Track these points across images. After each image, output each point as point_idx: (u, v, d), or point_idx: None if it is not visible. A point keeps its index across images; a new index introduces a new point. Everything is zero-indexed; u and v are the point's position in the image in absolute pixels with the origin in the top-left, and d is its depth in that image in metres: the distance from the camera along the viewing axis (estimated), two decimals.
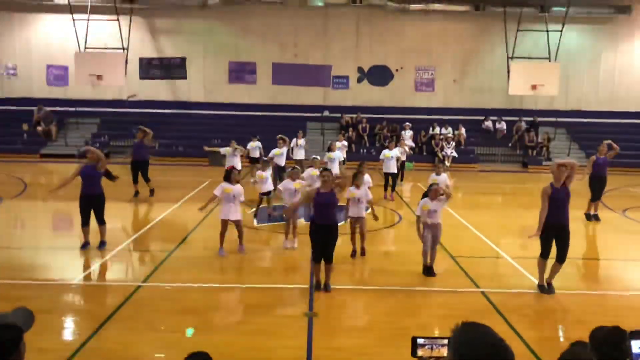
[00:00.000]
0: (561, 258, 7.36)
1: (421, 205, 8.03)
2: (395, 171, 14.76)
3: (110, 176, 9.57)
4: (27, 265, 8.51)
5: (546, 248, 7.43)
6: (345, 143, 17.29)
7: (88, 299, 7.26)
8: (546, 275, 7.55)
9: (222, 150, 14.91)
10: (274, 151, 14.71)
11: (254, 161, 16.02)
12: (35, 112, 23.77)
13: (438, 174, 11.59)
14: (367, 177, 10.83)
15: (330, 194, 7.26)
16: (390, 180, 14.58)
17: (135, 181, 14.04)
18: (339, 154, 15.06)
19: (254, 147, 16.46)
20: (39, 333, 5.67)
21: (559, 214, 7.27)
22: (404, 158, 16.07)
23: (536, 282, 7.71)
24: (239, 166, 13.99)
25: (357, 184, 8.94)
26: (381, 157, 14.70)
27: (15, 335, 2.20)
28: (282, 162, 14.71)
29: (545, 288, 7.47)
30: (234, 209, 8.96)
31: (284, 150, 14.86)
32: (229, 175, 9.08)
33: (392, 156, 14.51)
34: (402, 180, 16.78)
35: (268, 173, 11.62)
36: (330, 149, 14.94)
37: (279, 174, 14.24)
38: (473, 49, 25.43)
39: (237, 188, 9.00)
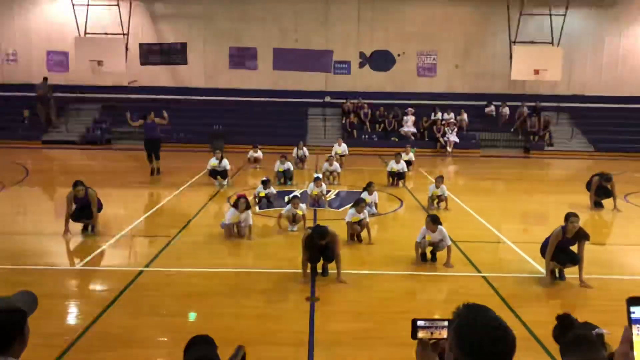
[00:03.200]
0: (574, 262, 7.29)
1: (423, 235, 7.89)
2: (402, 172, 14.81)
3: None
4: (30, 250, 8.54)
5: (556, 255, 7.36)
6: (345, 146, 17.40)
7: (91, 284, 7.30)
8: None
9: (209, 165, 14.15)
10: (278, 165, 14.51)
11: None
12: (39, 86, 23.30)
13: (437, 186, 11.70)
14: (375, 195, 11.03)
15: (325, 247, 7.18)
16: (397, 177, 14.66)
17: (150, 160, 15.04)
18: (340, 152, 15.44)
19: (253, 158, 16.85)
20: (43, 318, 5.70)
21: (557, 253, 7.22)
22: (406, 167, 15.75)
23: (537, 266, 7.74)
24: (228, 166, 14.01)
25: (358, 211, 8.95)
26: (388, 169, 14.73)
27: (19, 319, 2.20)
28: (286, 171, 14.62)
29: (557, 276, 7.45)
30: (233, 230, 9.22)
31: (288, 165, 14.54)
32: (236, 204, 9.18)
33: (398, 170, 14.56)
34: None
35: (269, 191, 11.73)
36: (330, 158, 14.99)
37: (284, 177, 14.33)
38: (475, 34, 25.23)
39: (244, 215, 9.12)
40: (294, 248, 8.84)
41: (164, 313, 6.14)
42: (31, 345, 2.28)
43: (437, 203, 11.79)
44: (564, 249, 7.25)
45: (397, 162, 14.63)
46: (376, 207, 11.28)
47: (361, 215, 8.96)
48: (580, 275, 7.19)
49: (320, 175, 12.87)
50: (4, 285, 6.72)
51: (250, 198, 10.95)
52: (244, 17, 24.90)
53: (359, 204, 9.06)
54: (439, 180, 11.84)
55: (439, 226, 7.84)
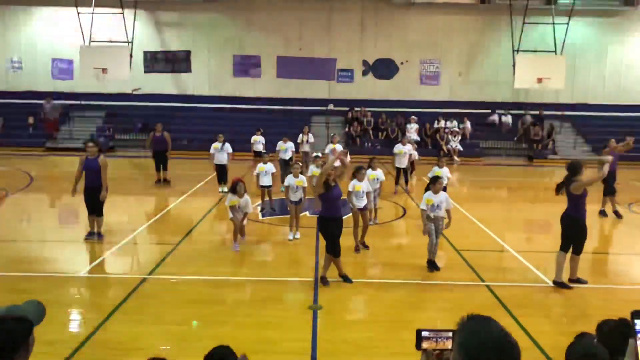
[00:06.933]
0: (578, 250, 7.37)
1: (425, 198, 8.02)
2: (405, 166, 14.83)
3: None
4: (34, 258, 8.56)
5: (566, 243, 7.41)
6: (340, 147, 17.31)
7: (94, 292, 7.30)
8: (568, 274, 7.58)
9: (212, 149, 14.39)
10: (280, 144, 14.79)
11: (257, 155, 16.27)
12: (44, 104, 23.56)
13: (440, 167, 11.66)
14: (379, 172, 10.91)
15: (337, 187, 7.44)
16: (402, 174, 14.80)
17: (158, 170, 15.13)
18: (340, 147, 15.18)
19: (257, 141, 16.98)
20: (46, 325, 5.67)
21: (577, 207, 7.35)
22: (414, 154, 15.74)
23: (541, 275, 7.71)
24: (225, 160, 14.26)
25: (359, 179, 8.94)
26: (395, 151, 14.78)
27: (24, 328, 2.19)
28: (287, 156, 14.74)
29: (566, 284, 7.43)
30: (239, 215, 9.11)
31: (289, 145, 14.79)
32: (235, 188, 9.11)
33: (405, 152, 14.61)
34: (411, 173, 16.73)
35: (269, 166, 11.69)
36: (332, 142, 15.02)
37: (284, 168, 14.29)
38: (478, 42, 25.29)
39: (243, 200, 9.08)
40: (297, 256, 8.85)
41: (166, 321, 6.14)
42: (34, 353, 2.28)
43: None
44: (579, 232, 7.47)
45: (404, 144, 14.81)
46: (381, 187, 10.97)
47: (363, 191, 8.93)
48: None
49: (321, 154, 12.71)
50: (8, 292, 6.73)
51: (254, 204, 10.94)
52: (248, 26, 25.03)
53: (359, 171, 8.99)
54: (442, 160, 11.85)
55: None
